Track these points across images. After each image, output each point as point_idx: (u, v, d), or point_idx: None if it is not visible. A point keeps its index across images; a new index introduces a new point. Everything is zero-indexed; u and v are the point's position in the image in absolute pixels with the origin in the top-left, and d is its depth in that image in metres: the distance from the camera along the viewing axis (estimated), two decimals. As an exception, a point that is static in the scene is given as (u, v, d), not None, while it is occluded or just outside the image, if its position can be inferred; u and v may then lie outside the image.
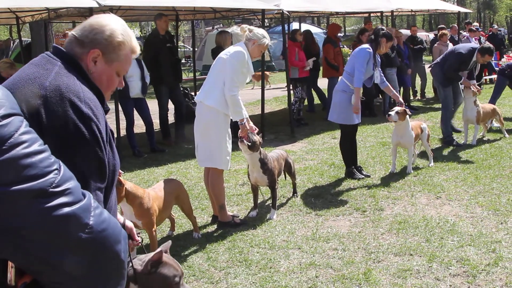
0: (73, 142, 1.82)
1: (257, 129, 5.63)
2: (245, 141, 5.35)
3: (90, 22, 2.10)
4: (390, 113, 7.05)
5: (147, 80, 9.06)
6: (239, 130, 5.38)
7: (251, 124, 5.54)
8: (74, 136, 1.82)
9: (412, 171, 7.25)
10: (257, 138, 5.48)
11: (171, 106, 9.97)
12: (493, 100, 10.08)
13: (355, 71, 6.88)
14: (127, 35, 2.13)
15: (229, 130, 5.50)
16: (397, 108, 7.06)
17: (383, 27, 7.04)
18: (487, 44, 8.70)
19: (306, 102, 12.11)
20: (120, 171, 2.77)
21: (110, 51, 2.07)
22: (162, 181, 5.06)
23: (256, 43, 5.41)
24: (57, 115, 1.82)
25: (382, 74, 7.19)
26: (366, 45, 7.05)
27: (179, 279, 2.42)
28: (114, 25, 2.10)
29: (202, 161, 5.59)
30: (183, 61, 25.15)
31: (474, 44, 9.08)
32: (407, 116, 7.11)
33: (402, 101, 7.25)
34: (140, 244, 2.47)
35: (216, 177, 5.54)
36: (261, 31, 5.52)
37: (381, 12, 13.57)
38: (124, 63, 2.15)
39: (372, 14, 14.97)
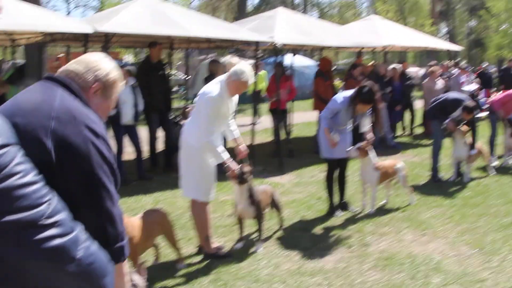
0: (94, 159, 1.93)
1: (246, 150, 5.68)
2: (236, 178, 5.41)
3: (88, 59, 2.27)
4: (350, 147, 6.92)
5: (141, 107, 9.08)
6: (227, 167, 5.39)
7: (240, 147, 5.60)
8: (94, 154, 1.93)
9: (373, 211, 7.10)
10: (247, 170, 5.49)
11: (161, 134, 9.97)
12: (492, 138, 10.24)
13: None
14: (119, 73, 2.33)
15: (214, 160, 5.51)
16: (359, 144, 6.95)
17: (365, 87, 6.64)
18: (472, 103, 8.74)
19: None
20: None
21: (108, 87, 2.26)
22: (147, 211, 5.05)
23: (231, 79, 5.29)
24: (73, 133, 1.90)
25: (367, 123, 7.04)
26: (344, 95, 6.88)
27: None
28: (109, 64, 2.31)
29: (186, 191, 5.59)
30: (176, 88, 25.23)
31: (463, 96, 9.16)
32: (370, 154, 7.00)
33: (370, 137, 7.00)
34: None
35: (200, 208, 5.53)
36: (242, 68, 5.31)
37: (373, 48, 13.73)
38: (115, 98, 2.34)
39: (364, 49, 15.15)
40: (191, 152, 5.39)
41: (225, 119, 5.52)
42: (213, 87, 5.34)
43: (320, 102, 11.31)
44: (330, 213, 7.05)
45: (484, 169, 9.63)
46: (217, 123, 5.37)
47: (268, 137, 12.66)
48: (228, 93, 5.35)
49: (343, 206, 7.26)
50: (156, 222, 4.97)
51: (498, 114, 10.05)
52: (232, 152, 5.72)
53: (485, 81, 18.02)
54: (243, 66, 5.40)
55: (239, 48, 12.68)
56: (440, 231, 6.33)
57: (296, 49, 16.35)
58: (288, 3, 42.62)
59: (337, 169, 7.18)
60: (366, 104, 6.69)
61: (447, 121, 8.58)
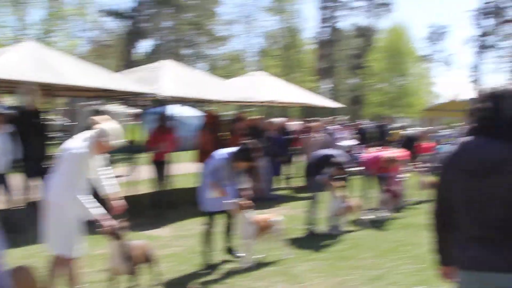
0: None
1: (122, 204, 5.58)
2: (110, 235, 5.32)
3: None
4: (227, 201, 6.98)
5: (17, 155, 8.76)
6: (100, 223, 5.27)
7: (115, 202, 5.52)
8: None
9: (250, 265, 7.11)
10: (121, 225, 5.40)
11: (37, 183, 9.59)
12: (365, 193, 10.77)
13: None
14: None
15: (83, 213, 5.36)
16: (236, 199, 7.05)
17: (244, 145, 7.00)
18: (343, 159, 9.20)
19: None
20: None
21: None
22: (13, 268, 4.79)
23: (95, 138, 5.27)
24: None
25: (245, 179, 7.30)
26: (224, 152, 7.10)
27: None
28: None
29: (52, 247, 5.39)
30: (58, 134, 24.49)
31: (337, 152, 9.62)
32: (246, 209, 7.08)
33: (247, 192, 7.20)
34: None
35: (66, 265, 5.36)
36: (106, 129, 5.29)
37: (256, 102, 14.08)
38: None
39: (249, 103, 15.48)
40: (54, 207, 5.23)
41: (89, 175, 5.41)
42: (78, 143, 5.28)
43: (203, 155, 11.41)
44: (208, 267, 7.04)
45: (358, 222, 10.03)
46: (81, 179, 5.26)
47: (147, 188, 12.51)
48: (92, 151, 5.28)
49: (230, 254, 7.40)
50: (21, 280, 4.71)
51: (370, 170, 10.60)
52: (108, 205, 5.60)
53: (364, 137, 18.91)
54: (108, 126, 5.32)
55: (122, 97, 12.55)
56: (314, 285, 6.47)
57: (183, 100, 16.44)
58: (177, 54, 42.92)
59: (216, 222, 7.24)
60: (244, 162, 6.93)
61: (320, 176, 8.93)
